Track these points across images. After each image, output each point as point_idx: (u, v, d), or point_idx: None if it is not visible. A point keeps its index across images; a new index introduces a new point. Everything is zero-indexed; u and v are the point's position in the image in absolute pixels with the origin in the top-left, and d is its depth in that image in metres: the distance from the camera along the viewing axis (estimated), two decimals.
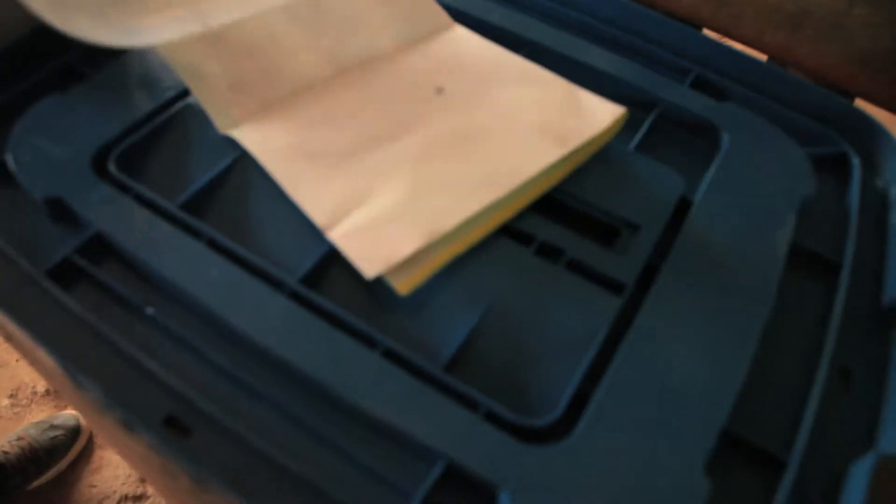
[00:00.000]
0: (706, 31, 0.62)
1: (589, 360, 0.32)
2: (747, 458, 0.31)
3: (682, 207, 0.39)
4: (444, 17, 0.49)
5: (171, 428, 0.29)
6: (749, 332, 0.33)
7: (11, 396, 1.07)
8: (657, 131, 0.46)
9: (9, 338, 0.38)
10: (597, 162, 0.41)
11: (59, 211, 0.34)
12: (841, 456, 0.31)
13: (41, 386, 1.08)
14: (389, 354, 0.31)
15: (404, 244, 0.33)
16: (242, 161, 0.38)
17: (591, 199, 0.39)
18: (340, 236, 0.34)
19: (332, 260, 0.35)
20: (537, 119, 0.42)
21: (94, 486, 0.98)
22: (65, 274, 0.33)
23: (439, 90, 0.43)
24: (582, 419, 0.30)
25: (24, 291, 0.32)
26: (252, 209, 0.37)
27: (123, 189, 0.35)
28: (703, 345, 0.33)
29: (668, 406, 0.30)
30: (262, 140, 0.38)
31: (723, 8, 0.62)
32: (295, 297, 0.32)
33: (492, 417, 0.30)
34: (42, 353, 0.30)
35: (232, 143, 0.39)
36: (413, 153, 0.39)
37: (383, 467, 0.28)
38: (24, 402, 1.06)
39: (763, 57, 0.62)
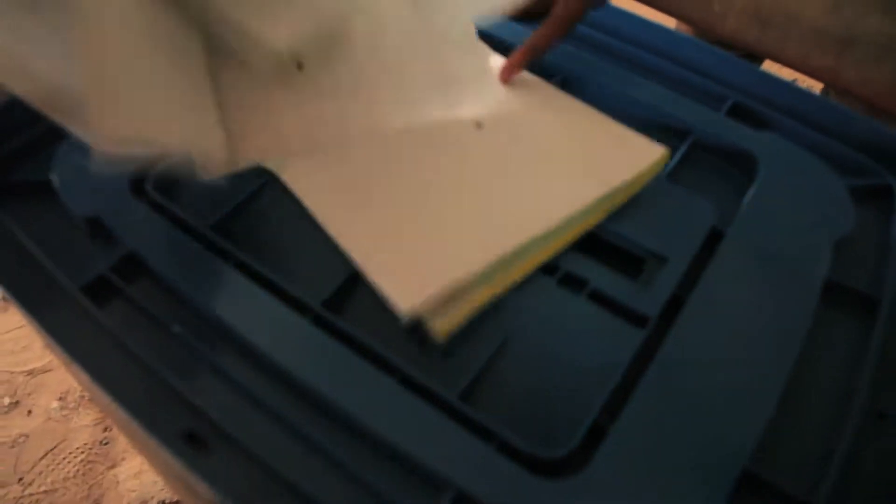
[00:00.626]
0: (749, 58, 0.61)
1: (608, 393, 0.31)
2: (770, 500, 0.30)
3: (713, 238, 0.39)
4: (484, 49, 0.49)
5: (190, 443, 0.30)
6: (778, 369, 0.32)
7: (60, 399, 1.11)
8: (691, 160, 0.45)
9: (48, 346, 0.40)
10: None
11: (98, 229, 0.36)
12: (872, 503, 0.30)
13: None
14: (406, 381, 0.31)
15: (441, 279, 0.33)
16: (272, 185, 0.39)
17: (618, 229, 0.38)
18: (376, 270, 0.34)
19: (354, 283, 0.35)
20: (579, 156, 0.41)
21: (134, 491, 1.01)
22: (99, 290, 0.34)
23: (479, 125, 0.43)
24: (598, 453, 0.29)
25: (60, 305, 0.33)
26: (279, 232, 0.38)
27: (159, 209, 0.37)
28: (727, 381, 0.32)
29: (687, 443, 0.30)
30: (297, 172, 0.39)
31: (767, 31, 0.61)
32: (317, 320, 0.33)
33: (505, 448, 0.29)
34: (74, 364, 0.31)
35: (261, 169, 0.40)
36: (452, 189, 0.39)
37: (395, 493, 0.28)
38: (72, 405, 1.11)
39: (809, 83, 0.61)
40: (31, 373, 1.14)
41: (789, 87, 0.49)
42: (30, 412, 1.09)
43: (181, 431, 0.30)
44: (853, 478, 0.30)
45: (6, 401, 1.10)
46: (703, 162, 0.45)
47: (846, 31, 0.58)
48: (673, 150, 0.44)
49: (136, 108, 0.30)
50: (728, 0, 0.60)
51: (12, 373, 1.14)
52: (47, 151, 0.39)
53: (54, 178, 0.37)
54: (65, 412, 1.10)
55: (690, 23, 0.66)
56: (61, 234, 0.36)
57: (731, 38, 0.62)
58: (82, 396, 1.12)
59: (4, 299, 1.19)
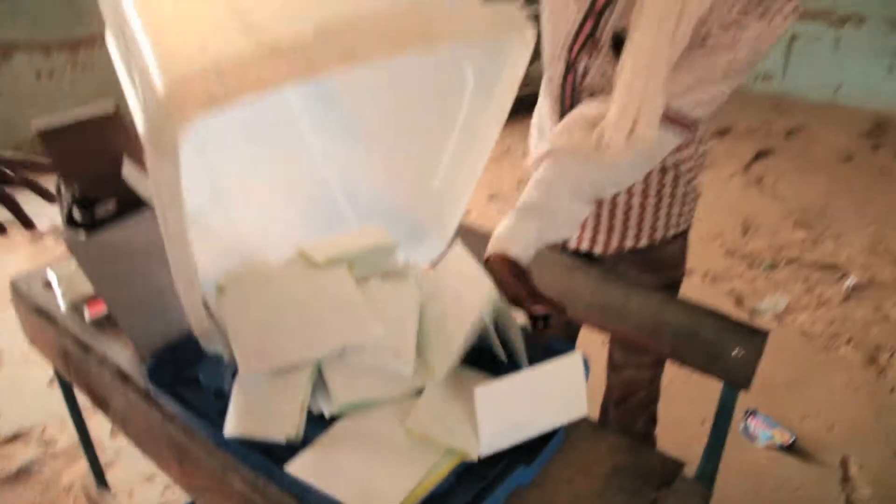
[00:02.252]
0: None
1: None
2: None
3: None
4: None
5: None
6: None
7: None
8: None
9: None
10: None
11: (219, 395, 0.92)
12: None
13: None
14: None
15: None
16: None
17: None
18: None
19: None
20: None
21: None
22: (214, 421, 0.90)
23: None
24: None
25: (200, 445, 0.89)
26: None
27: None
28: None
29: None
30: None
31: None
32: None
33: None
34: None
35: None
36: None
37: None
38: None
39: None
40: None
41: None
42: None
43: None
44: None
45: None
46: None
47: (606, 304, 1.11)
48: None
49: (263, 363, 0.88)
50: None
51: None
52: (196, 363, 0.96)
53: (200, 376, 0.94)
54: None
55: None
56: (202, 399, 0.93)
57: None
58: None
59: None
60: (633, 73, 0.89)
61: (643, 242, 1.20)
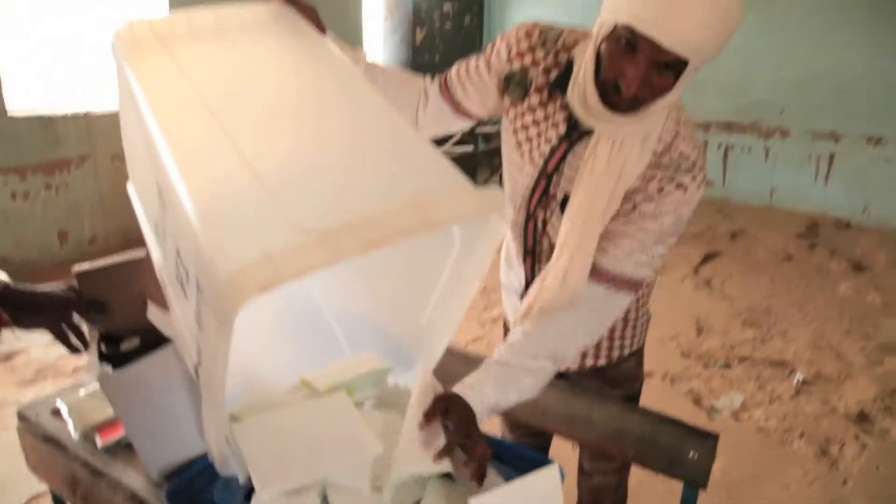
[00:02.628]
0: None
1: None
2: None
3: None
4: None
5: None
6: None
7: None
8: None
9: None
10: None
11: None
12: None
13: None
14: None
15: None
16: None
17: None
18: None
19: None
20: None
21: None
22: None
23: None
24: None
25: None
26: None
27: None
28: None
29: None
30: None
31: (542, 418, 1.30)
32: None
33: None
34: None
35: None
36: None
37: None
38: None
39: None
40: None
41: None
42: None
43: None
44: None
45: None
46: None
47: (573, 415, 1.25)
48: None
49: (278, 483, 0.98)
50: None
51: None
52: (210, 486, 1.06)
53: (216, 496, 1.04)
54: None
55: None
56: None
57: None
58: None
59: None
60: (570, 231, 1.08)
61: (602, 361, 1.36)
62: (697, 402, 2.64)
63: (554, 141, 1.14)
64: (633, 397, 1.43)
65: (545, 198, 1.18)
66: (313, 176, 0.80)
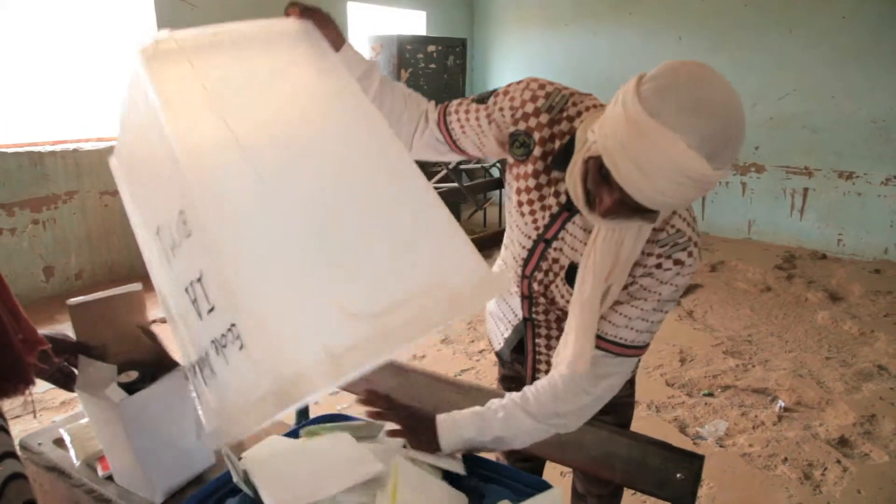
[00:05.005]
0: None
1: None
2: None
3: None
4: None
5: None
6: None
7: None
8: None
9: None
10: None
11: None
12: None
13: None
14: None
15: None
16: None
17: None
18: None
19: None
20: None
21: None
22: None
23: None
24: None
25: None
26: None
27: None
28: None
29: None
30: None
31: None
32: None
33: None
34: None
35: None
36: None
37: None
38: None
39: None
40: None
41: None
42: None
43: None
44: None
45: None
46: None
47: (564, 441, 1.30)
48: None
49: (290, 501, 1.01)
50: None
51: None
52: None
53: None
54: None
55: None
56: None
57: None
58: None
59: None
60: (577, 323, 1.11)
61: None
62: (683, 429, 2.69)
63: (554, 209, 1.17)
64: (624, 424, 1.47)
65: (543, 262, 1.22)
66: (344, 247, 0.82)
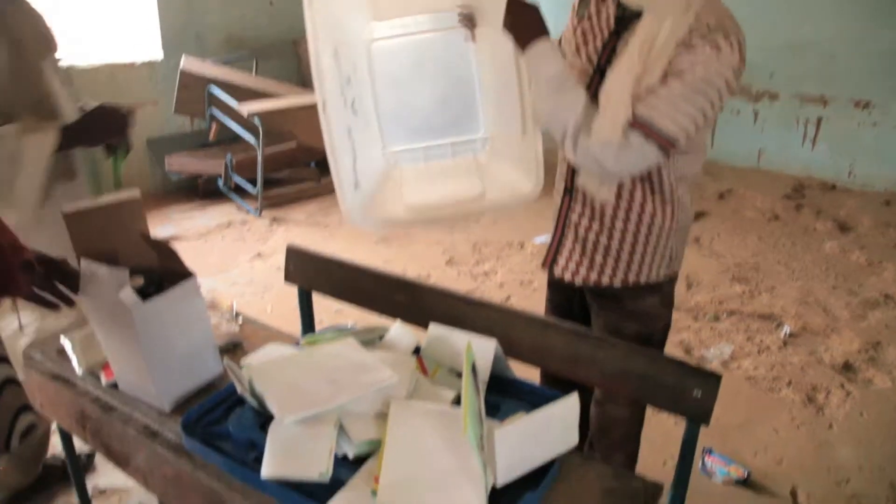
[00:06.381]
0: None
1: None
2: None
3: None
4: None
5: None
6: None
7: None
8: None
9: None
10: None
11: (251, 447, 1.02)
12: None
13: None
14: None
15: None
16: None
17: None
18: None
19: None
20: None
21: None
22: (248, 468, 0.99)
23: None
24: None
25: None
26: None
27: None
28: None
29: None
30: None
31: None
32: None
33: None
34: None
35: None
36: None
37: None
38: None
39: None
40: None
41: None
42: None
43: None
44: None
45: None
46: None
47: (578, 356, 1.27)
48: None
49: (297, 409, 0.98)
50: None
51: None
52: (224, 421, 1.06)
53: (230, 428, 1.04)
54: None
55: None
56: (234, 450, 1.02)
57: None
58: None
59: None
60: (607, 95, 1.21)
61: (617, 282, 1.39)
62: (688, 351, 2.69)
63: (605, 35, 1.31)
64: (648, 337, 1.44)
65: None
66: None
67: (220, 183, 4.52)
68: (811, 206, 4.65)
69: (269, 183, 4.54)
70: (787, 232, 4.15)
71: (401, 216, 1.48)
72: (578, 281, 1.42)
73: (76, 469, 1.58)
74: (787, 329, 2.86)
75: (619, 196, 1.34)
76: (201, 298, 1.19)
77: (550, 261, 1.46)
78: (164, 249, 1.20)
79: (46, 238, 1.22)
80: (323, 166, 5.19)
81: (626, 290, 1.40)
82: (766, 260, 3.68)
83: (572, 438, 0.99)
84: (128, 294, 1.06)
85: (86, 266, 1.10)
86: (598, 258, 1.39)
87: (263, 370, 1.09)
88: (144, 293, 1.11)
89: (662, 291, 1.43)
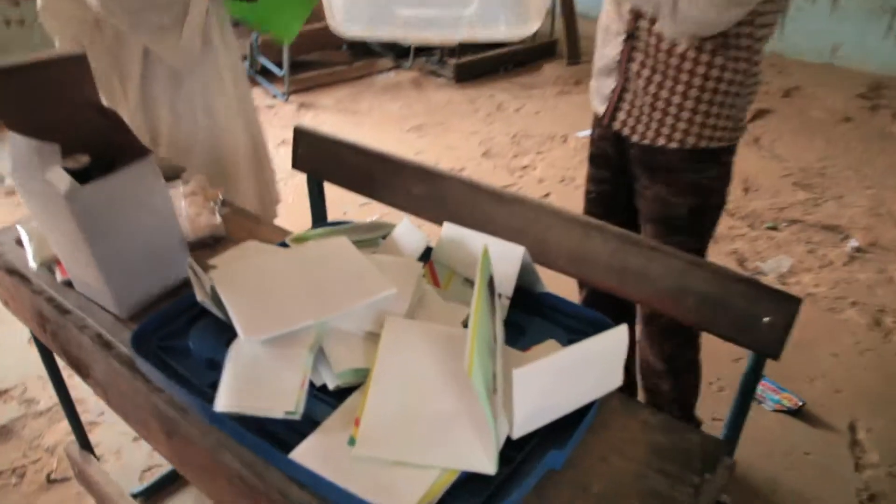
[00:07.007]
0: None
1: None
2: None
3: None
4: None
5: None
6: None
7: None
8: None
9: None
10: None
11: (211, 364, 0.83)
12: None
13: None
14: None
15: None
16: None
17: None
18: None
19: None
20: None
21: None
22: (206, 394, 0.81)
23: None
24: None
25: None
26: None
27: None
28: None
29: None
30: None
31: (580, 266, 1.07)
32: None
33: None
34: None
35: None
36: None
37: None
38: None
39: None
40: None
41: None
42: None
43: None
44: None
45: None
46: None
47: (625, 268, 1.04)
48: None
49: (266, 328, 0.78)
50: None
51: None
52: (186, 331, 0.87)
53: (190, 344, 0.85)
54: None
55: None
56: (193, 370, 0.84)
57: None
58: None
59: None
60: None
61: (674, 143, 1.25)
62: (742, 263, 2.43)
63: None
64: (700, 214, 1.30)
65: None
66: None
67: (246, 65, 4.26)
68: (889, 107, 4.16)
69: (296, 66, 4.28)
70: (859, 135, 3.72)
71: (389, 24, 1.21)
72: (636, 138, 1.30)
73: (64, 395, 1.45)
74: (854, 243, 2.56)
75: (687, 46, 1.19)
76: (161, 182, 0.96)
77: (611, 114, 1.33)
78: (116, 121, 0.97)
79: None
80: (355, 49, 4.83)
81: (684, 156, 1.27)
82: (835, 165, 3.30)
83: (615, 380, 0.77)
84: (58, 175, 0.84)
85: (14, 141, 0.88)
86: (657, 115, 1.26)
87: (230, 274, 0.87)
88: (88, 175, 0.89)
89: (721, 161, 1.29)
